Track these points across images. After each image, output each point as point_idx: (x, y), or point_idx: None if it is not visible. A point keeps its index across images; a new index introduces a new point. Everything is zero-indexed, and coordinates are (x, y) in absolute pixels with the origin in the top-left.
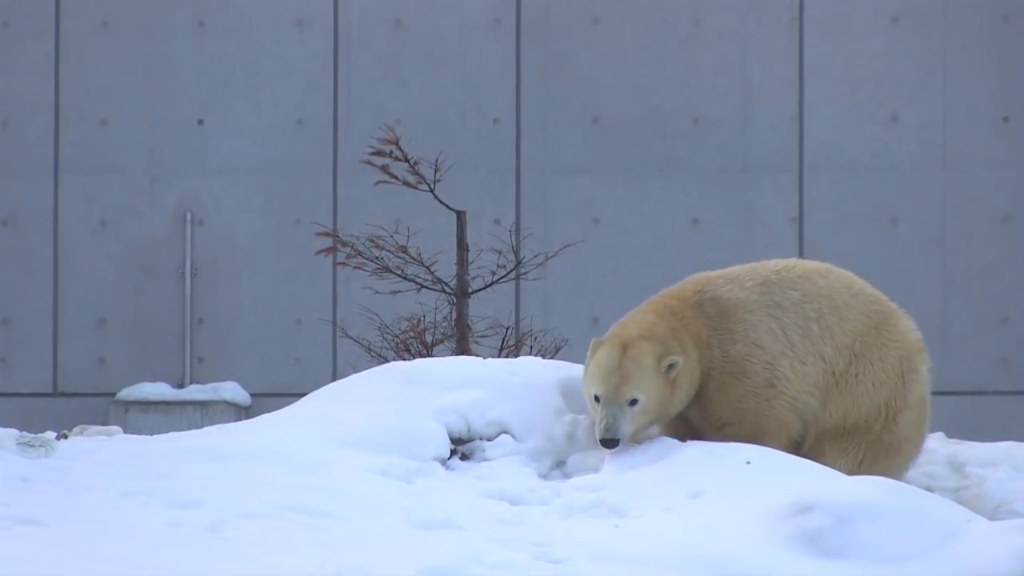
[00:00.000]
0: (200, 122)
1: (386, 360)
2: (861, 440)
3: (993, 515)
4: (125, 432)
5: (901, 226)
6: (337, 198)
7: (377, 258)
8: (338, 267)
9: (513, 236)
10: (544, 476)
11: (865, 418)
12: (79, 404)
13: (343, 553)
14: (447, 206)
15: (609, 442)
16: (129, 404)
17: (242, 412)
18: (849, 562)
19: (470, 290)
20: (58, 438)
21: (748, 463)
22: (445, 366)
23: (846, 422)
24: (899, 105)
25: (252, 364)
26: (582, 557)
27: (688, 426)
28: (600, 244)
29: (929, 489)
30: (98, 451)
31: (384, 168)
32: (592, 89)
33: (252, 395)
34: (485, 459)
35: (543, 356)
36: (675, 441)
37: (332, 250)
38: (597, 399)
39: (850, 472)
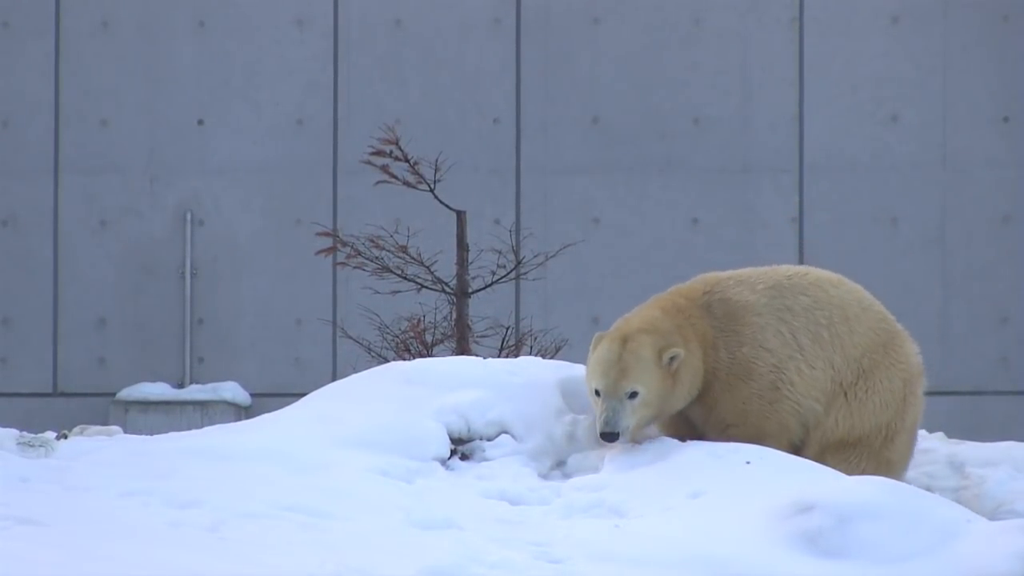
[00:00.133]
0: (200, 122)
1: (386, 360)
2: (863, 452)
3: (993, 515)
4: (125, 432)
5: (901, 226)
6: (337, 198)
7: (377, 258)
8: (338, 267)
9: (513, 236)
10: (544, 476)
11: (868, 434)
12: (79, 404)
13: (343, 553)
14: (447, 206)
15: (609, 436)
16: (129, 404)
17: (242, 412)
18: (849, 562)
19: (470, 290)
20: (58, 438)
21: (748, 463)
22: (445, 366)
23: (851, 435)
24: (899, 105)
25: (252, 364)
26: (582, 557)
27: (689, 427)
28: (600, 244)
29: (929, 489)
30: (98, 451)
31: (384, 168)
32: (592, 89)
33: (252, 395)
34: (485, 459)
35: (543, 356)
36: (675, 441)
37: (332, 250)
38: (597, 393)
39: None
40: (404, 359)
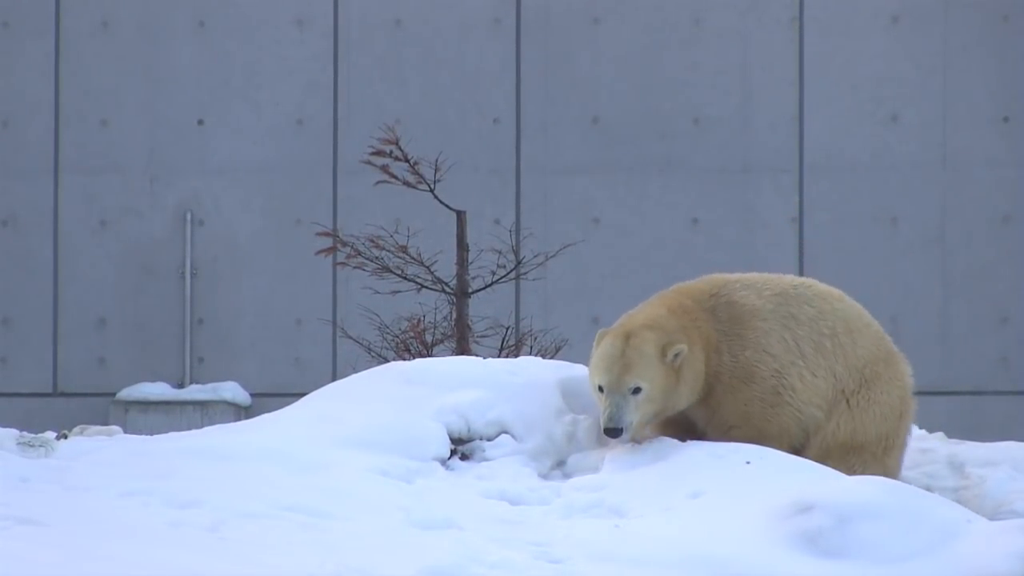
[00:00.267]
0: (200, 122)
1: (386, 360)
2: (866, 458)
3: (993, 515)
4: (125, 432)
5: (901, 226)
6: (337, 198)
7: (377, 258)
8: (338, 267)
9: (513, 236)
10: (544, 476)
11: (870, 441)
12: (79, 404)
13: (343, 553)
14: (447, 206)
15: (613, 431)
16: (129, 404)
17: (242, 412)
18: (849, 562)
19: (470, 290)
20: (58, 438)
21: (748, 463)
22: (445, 366)
23: (853, 440)
24: (899, 105)
25: (252, 364)
26: (582, 557)
27: (689, 428)
28: (600, 244)
29: (929, 489)
30: (98, 451)
31: (384, 168)
32: (592, 89)
33: (252, 395)
34: (485, 459)
35: (543, 356)
36: (675, 441)
37: (332, 250)
38: (601, 389)
39: None
40: (404, 359)
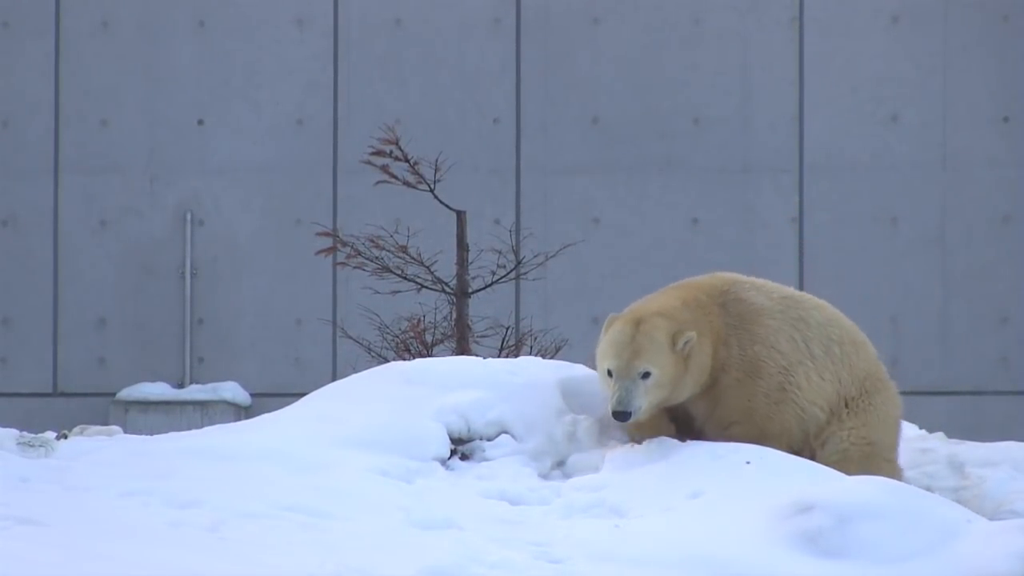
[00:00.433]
0: (200, 122)
1: (386, 360)
2: (881, 462)
3: (993, 515)
4: (125, 432)
5: (901, 226)
6: (337, 198)
7: (377, 258)
8: (338, 267)
9: (513, 236)
10: (544, 476)
11: (879, 441)
12: (79, 404)
13: (343, 553)
14: (447, 206)
15: (621, 415)
16: (129, 404)
17: (242, 412)
18: (849, 562)
19: (470, 290)
20: (58, 438)
21: (748, 463)
22: (445, 366)
23: (866, 440)
24: (899, 105)
25: (252, 364)
26: (582, 557)
27: (687, 425)
28: (600, 244)
29: (929, 489)
30: (98, 451)
31: (384, 168)
32: (592, 89)
33: (252, 395)
34: (485, 459)
35: (543, 356)
36: (675, 441)
37: (332, 250)
38: (610, 373)
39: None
40: (404, 359)
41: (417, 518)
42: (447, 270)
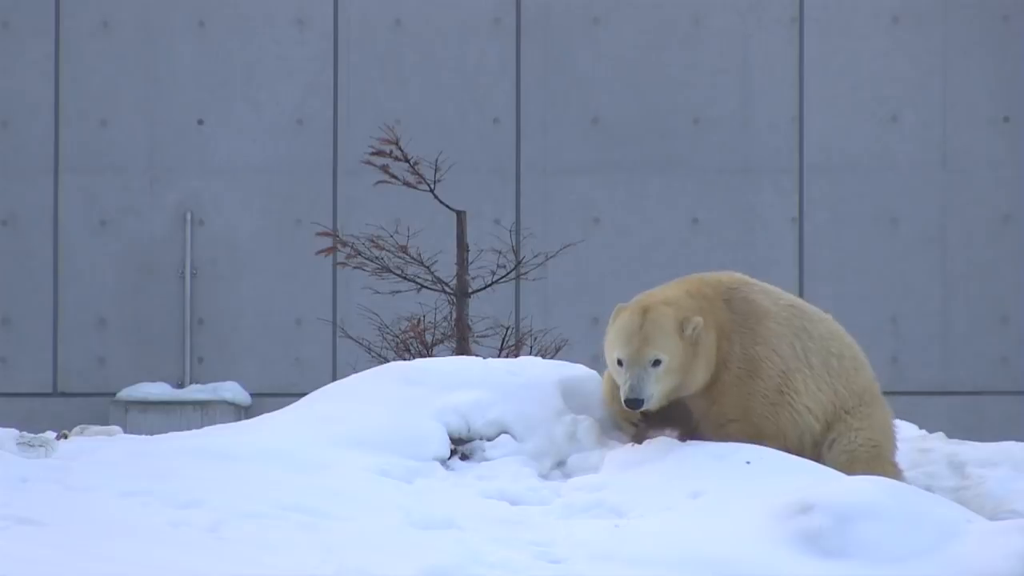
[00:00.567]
0: (200, 122)
1: (386, 360)
2: (885, 464)
3: (993, 515)
4: (125, 432)
5: (901, 226)
6: (337, 198)
7: (377, 258)
8: (338, 267)
9: (513, 236)
10: (544, 476)
11: (883, 446)
12: (79, 404)
13: (343, 553)
14: (447, 206)
15: (634, 402)
16: (129, 404)
17: (242, 412)
18: (849, 562)
19: (470, 290)
20: (58, 438)
21: (748, 463)
22: (445, 366)
23: (870, 442)
24: (899, 105)
25: (252, 364)
26: (582, 557)
27: (683, 422)
28: (600, 244)
29: (929, 489)
30: (98, 451)
31: (384, 168)
32: (592, 89)
33: (252, 395)
34: (485, 459)
35: (543, 356)
36: (675, 441)
37: (332, 250)
38: (620, 363)
39: None
40: (404, 359)
41: (417, 518)
42: (447, 270)
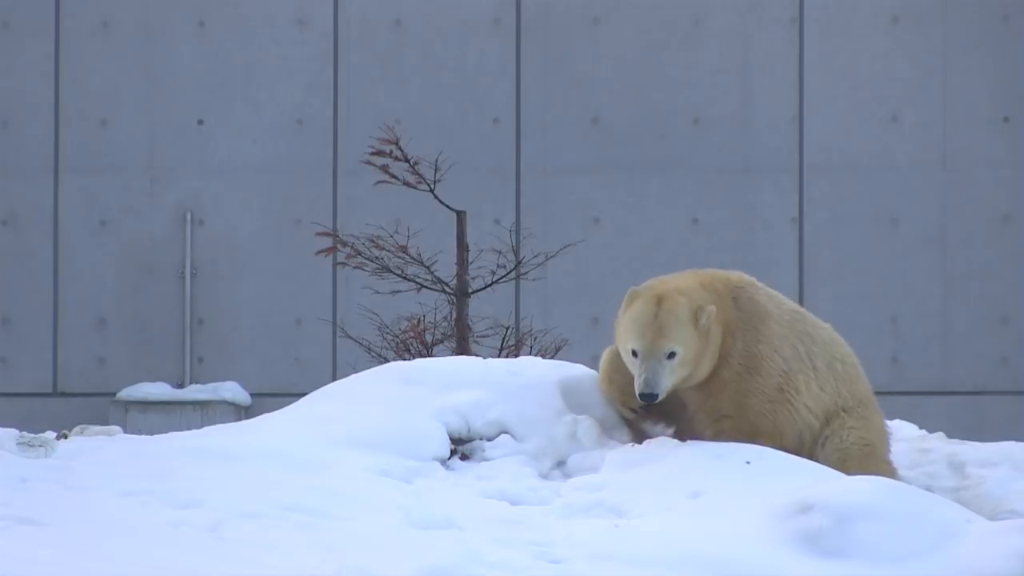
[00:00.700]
0: (200, 122)
1: (386, 360)
2: (880, 463)
3: (993, 515)
4: (125, 432)
5: (901, 226)
6: (337, 198)
7: (377, 258)
8: (338, 267)
9: (513, 236)
10: (544, 476)
11: (877, 445)
12: (79, 404)
13: (343, 553)
14: (447, 206)
15: (649, 396)
16: (129, 404)
17: (242, 412)
18: (849, 562)
19: (470, 290)
20: (58, 438)
21: (748, 463)
22: (445, 366)
23: (864, 440)
24: (899, 105)
25: (252, 364)
26: (582, 557)
27: (681, 416)
28: (600, 244)
29: (929, 489)
30: (98, 451)
31: (384, 168)
32: (592, 89)
33: (252, 395)
34: (485, 459)
35: (543, 356)
36: (675, 441)
37: (332, 250)
38: (634, 353)
39: None
40: (404, 359)
41: (417, 518)
42: (447, 270)
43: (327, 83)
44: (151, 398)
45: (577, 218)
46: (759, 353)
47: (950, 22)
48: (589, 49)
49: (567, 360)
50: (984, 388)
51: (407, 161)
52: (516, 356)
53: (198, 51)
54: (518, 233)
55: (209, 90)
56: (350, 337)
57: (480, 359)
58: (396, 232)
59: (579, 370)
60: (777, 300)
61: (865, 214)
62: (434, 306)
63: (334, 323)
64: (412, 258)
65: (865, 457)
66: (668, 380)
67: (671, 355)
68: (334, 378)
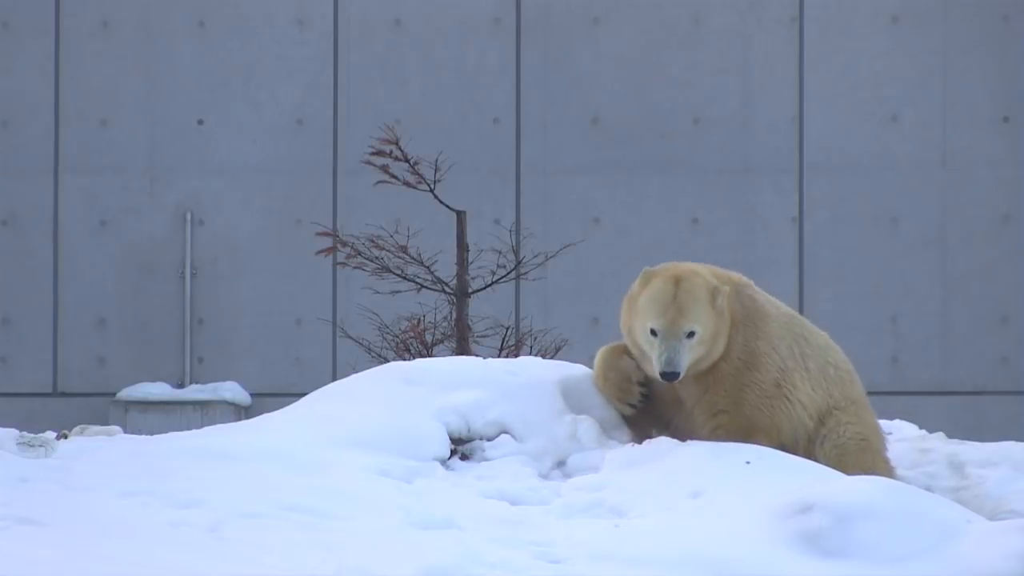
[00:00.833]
0: (200, 122)
1: (386, 360)
2: (876, 457)
3: (993, 515)
4: (125, 432)
5: (901, 226)
6: (337, 198)
7: (377, 258)
8: (338, 267)
9: (513, 236)
10: (544, 476)
11: (873, 440)
12: (79, 404)
13: (343, 553)
14: (447, 206)
15: (670, 375)
16: (129, 404)
17: (242, 412)
18: (849, 562)
19: (470, 290)
20: (58, 438)
21: (748, 463)
22: (445, 366)
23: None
24: (899, 105)
25: (252, 364)
26: (582, 557)
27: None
28: (600, 244)
29: (929, 489)
30: (98, 451)
31: (384, 168)
32: (592, 89)
33: (252, 395)
34: (485, 459)
35: (543, 356)
36: (675, 441)
37: (332, 250)
38: (653, 333)
39: None
40: (404, 359)
41: (417, 518)
42: (447, 270)
43: (327, 83)
44: (151, 398)
45: (577, 218)
46: (758, 349)
47: (950, 22)
48: (589, 49)
49: (567, 360)
50: (984, 388)
51: (407, 161)
52: (516, 356)
53: (198, 51)
54: (518, 233)
55: (209, 90)
56: (350, 337)
57: (480, 359)
58: (396, 232)
59: (579, 370)
60: (774, 303)
61: (865, 214)
62: (434, 306)
63: (334, 323)
64: (412, 258)
65: (862, 452)
66: (687, 359)
67: (690, 334)
68: (334, 378)
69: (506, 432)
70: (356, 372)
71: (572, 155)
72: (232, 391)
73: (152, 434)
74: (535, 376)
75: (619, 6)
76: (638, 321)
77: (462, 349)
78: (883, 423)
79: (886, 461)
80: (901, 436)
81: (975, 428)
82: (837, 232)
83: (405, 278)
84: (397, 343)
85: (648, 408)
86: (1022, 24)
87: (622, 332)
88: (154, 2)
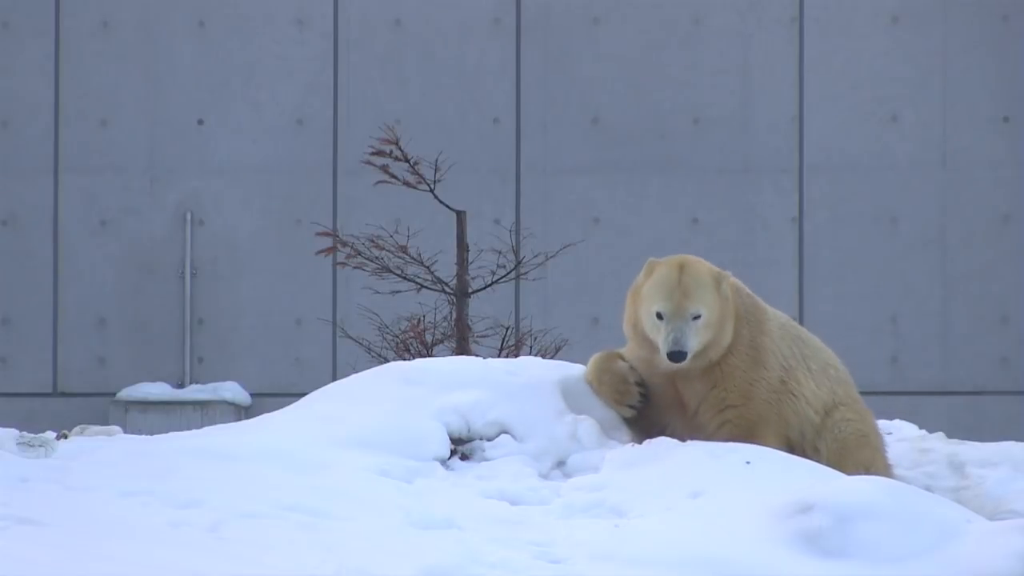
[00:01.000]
0: (200, 122)
1: (386, 360)
2: (875, 454)
3: (993, 515)
4: (125, 432)
5: (901, 226)
6: (337, 198)
7: (377, 258)
8: (338, 267)
9: (513, 236)
10: (544, 476)
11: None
12: (79, 404)
13: (343, 553)
14: (447, 206)
15: (677, 355)
16: (129, 404)
17: (242, 412)
18: (849, 562)
19: (470, 290)
20: (58, 438)
21: (748, 463)
22: (445, 366)
23: (860, 431)
24: (899, 105)
25: (252, 364)
26: (582, 557)
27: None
28: (600, 244)
29: (929, 489)
30: (98, 451)
31: (384, 168)
32: (592, 89)
33: (252, 395)
34: (485, 459)
35: (543, 356)
36: (675, 441)
37: (332, 250)
38: (660, 316)
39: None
40: (404, 359)
41: (417, 518)
42: (447, 270)
43: (327, 83)
44: (151, 398)
45: (577, 218)
46: (763, 345)
47: (950, 22)
48: (589, 49)
49: (567, 360)
50: (984, 388)
51: (407, 161)
52: (516, 356)
53: (198, 51)
54: (518, 233)
55: (209, 90)
56: (350, 337)
57: (480, 359)
58: (396, 232)
59: (579, 370)
60: (771, 308)
61: (865, 214)
62: (434, 306)
63: (334, 323)
64: (412, 258)
65: (861, 448)
66: (694, 341)
67: (696, 316)
68: (334, 378)
69: (506, 432)
70: (356, 372)
71: (572, 155)
72: (232, 391)
73: (152, 434)
74: (535, 376)
75: (619, 6)
76: (643, 307)
77: (462, 349)
78: (883, 423)
79: (884, 459)
80: (901, 436)
81: (975, 428)
82: (837, 232)
83: (405, 278)
84: (397, 343)
85: (645, 412)
86: (1022, 24)
87: (624, 328)
88: (154, 2)
